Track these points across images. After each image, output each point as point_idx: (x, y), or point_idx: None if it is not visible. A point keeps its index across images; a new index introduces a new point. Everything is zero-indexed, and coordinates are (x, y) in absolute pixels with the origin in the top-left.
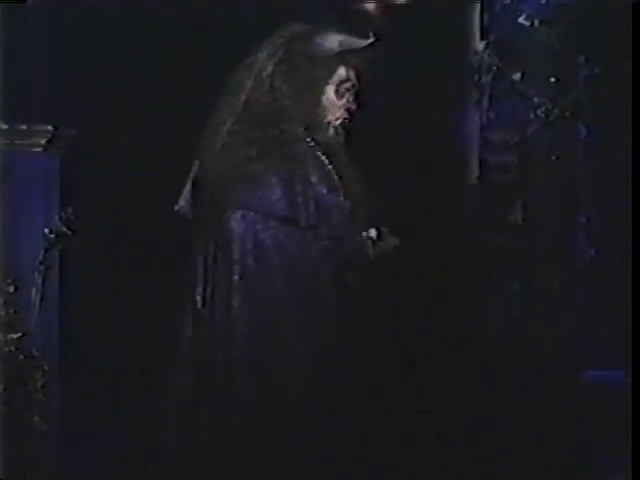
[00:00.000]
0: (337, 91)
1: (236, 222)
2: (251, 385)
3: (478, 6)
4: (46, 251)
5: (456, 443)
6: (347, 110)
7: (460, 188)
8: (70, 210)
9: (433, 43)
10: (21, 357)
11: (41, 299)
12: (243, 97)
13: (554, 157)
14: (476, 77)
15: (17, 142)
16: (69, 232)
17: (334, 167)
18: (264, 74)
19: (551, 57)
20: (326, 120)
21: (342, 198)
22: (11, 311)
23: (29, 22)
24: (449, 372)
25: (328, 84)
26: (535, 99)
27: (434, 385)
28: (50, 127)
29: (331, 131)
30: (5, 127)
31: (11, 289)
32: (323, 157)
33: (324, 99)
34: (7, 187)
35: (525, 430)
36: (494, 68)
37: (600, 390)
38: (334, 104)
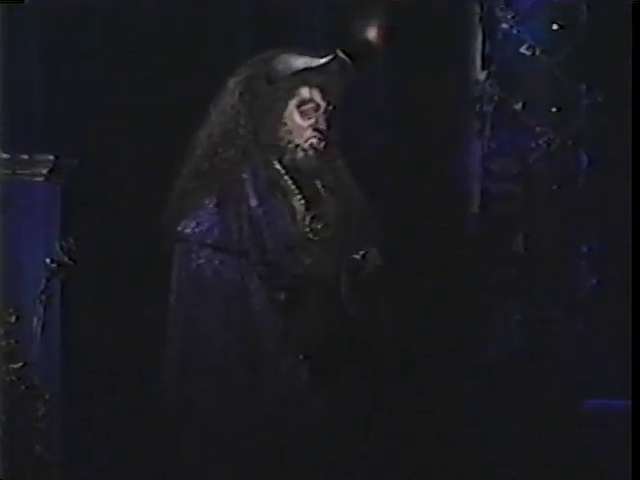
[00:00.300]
0: (301, 112)
1: (175, 253)
2: (186, 412)
3: (479, 35)
4: (47, 280)
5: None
6: (316, 130)
7: (462, 218)
8: (71, 240)
9: (434, 73)
10: (22, 387)
11: (42, 329)
12: (208, 130)
13: (555, 186)
14: (478, 107)
15: (18, 172)
16: (70, 262)
17: (301, 190)
18: (229, 105)
19: (552, 86)
20: (294, 143)
21: (307, 222)
22: (12, 341)
23: (27, 29)
24: (448, 401)
25: (288, 106)
26: (537, 129)
27: (431, 414)
28: (51, 157)
29: (300, 154)
30: (6, 157)
31: (12, 319)
32: (290, 180)
33: (289, 121)
34: (8, 217)
35: (525, 458)
36: (495, 98)
37: (601, 418)
38: (299, 126)
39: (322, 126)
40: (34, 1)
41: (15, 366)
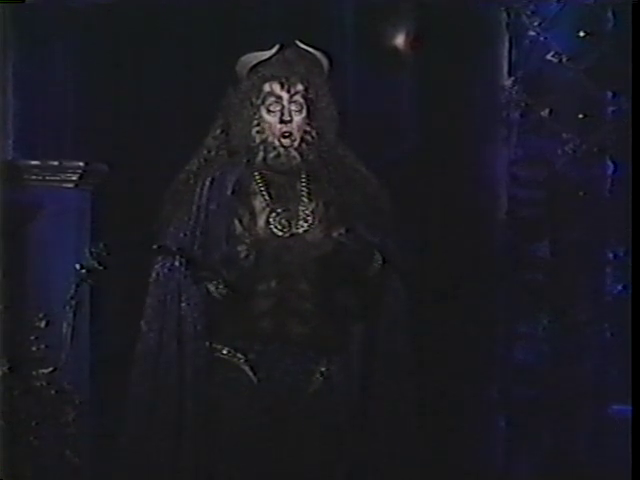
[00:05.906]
0: (267, 109)
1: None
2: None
3: (506, 42)
4: (77, 286)
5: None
6: (282, 123)
7: (489, 223)
8: (101, 245)
9: (461, 79)
10: (52, 392)
11: (72, 334)
12: (203, 151)
13: (582, 193)
14: (504, 113)
15: (48, 178)
16: (100, 267)
17: (267, 187)
18: (217, 120)
19: (579, 93)
20: (266, 141)
21: (272, 220)
22: (42, 346)
23: (58, 36)
24: (472, 404)
25: (255, 105)
26: (563, 135)
27: (453, 417)
28: (81, 163)
29: (272, 152)
30: (36, 163)
31: (42, 324)
32: (257, 179)
33: (260, 121)
34: (38, 223)
35: (552, 463)
36: (522, 104)
37: (627, 424)
38: (269, 123)
39: (287, 117)
40: (64, 10)
41: (45, 371)
